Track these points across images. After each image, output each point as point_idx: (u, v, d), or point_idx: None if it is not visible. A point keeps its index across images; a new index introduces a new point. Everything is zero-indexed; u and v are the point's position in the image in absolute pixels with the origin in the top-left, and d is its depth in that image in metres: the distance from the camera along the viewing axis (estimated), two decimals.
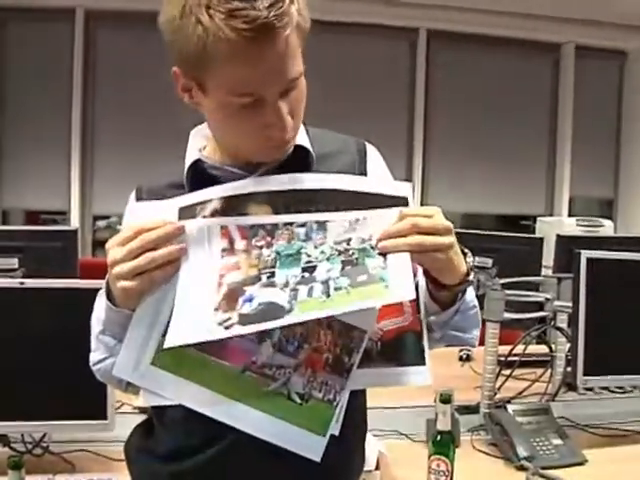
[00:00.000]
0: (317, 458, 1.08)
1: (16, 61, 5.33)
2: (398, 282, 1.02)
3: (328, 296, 1.02)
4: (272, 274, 1.06)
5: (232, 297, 1.05)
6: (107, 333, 1.16)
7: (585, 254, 2.08)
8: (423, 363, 1.13)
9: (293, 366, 1.09)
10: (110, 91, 5.43)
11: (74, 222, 5.36)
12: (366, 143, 1.30)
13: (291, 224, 1.09)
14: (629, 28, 6.09)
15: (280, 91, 1.05)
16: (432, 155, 6.08)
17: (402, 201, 1.11)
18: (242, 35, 0.97)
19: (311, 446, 1.08)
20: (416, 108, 6.05)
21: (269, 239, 1.08)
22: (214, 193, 1.11)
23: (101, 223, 5.65)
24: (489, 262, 2.37)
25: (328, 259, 1.06)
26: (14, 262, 2.37)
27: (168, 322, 1.06)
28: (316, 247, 1.08)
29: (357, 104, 5.55)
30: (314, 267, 1.06)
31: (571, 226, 5.12)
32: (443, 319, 1.16)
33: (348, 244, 1.07)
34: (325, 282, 1.04)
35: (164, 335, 1.06)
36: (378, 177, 1.25)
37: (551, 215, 6.21)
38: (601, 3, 5.56)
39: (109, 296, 1.10)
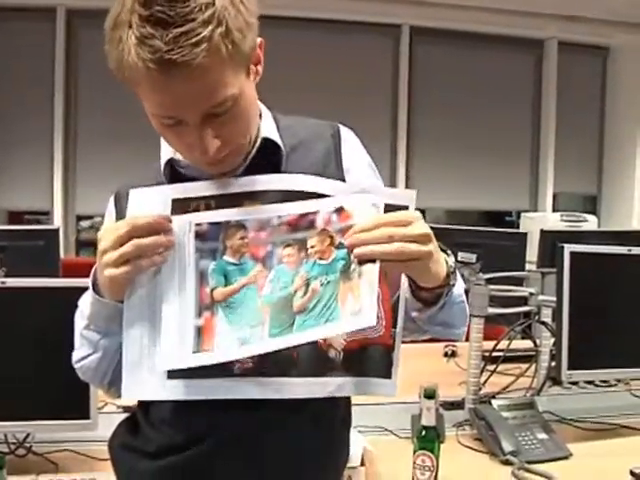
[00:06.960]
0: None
1: None
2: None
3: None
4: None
5: None
6: (92, 328, 1.15)
7: (568, 248, 2.08)
8: (388, 377, 1.10)
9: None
10: (92, 90, 5.36)
11: (57, 222, 5.32)
12: (340, 126, 1.26)
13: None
14: (611, 24, 6.13)
15: (199, 116, 1.00)
16: (416, 152, 6.09)
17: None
18: (146, 65, 0.94)
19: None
20: (399, 105, 6.06)
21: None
22: (208, 189, 1.09)
23: (85, 223, 5.62)
24: (473, 257, 2.37)
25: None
26: None
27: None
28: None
29: (340, 101, 5.53)
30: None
31: (555, 221, 5.16)
32: (427, 315, 1.12)
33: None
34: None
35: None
36: (376, 186, 1.20)
37: (535, 211, 6.24)
38: None
39: (95, 288, 1.10)
